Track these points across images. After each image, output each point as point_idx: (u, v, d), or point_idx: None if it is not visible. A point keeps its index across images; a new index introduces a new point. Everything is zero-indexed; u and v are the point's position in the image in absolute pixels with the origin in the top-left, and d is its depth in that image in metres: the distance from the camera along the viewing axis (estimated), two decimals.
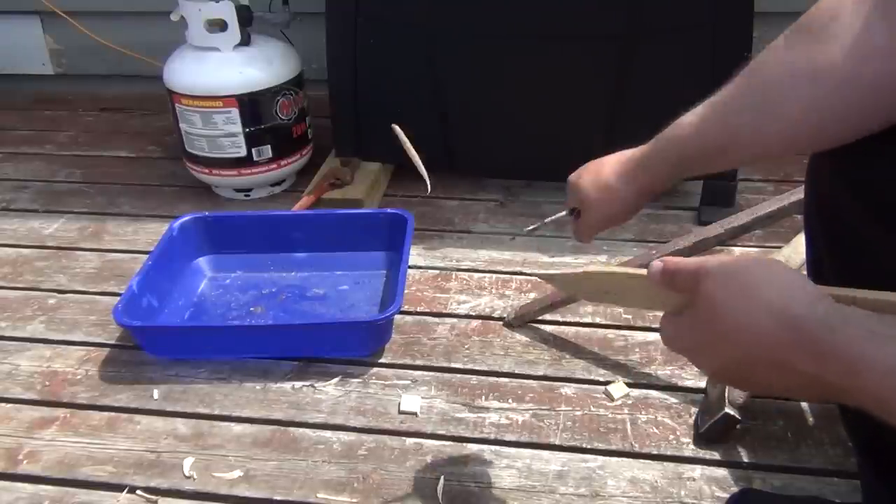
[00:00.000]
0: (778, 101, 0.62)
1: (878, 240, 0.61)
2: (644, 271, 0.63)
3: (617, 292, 0.70)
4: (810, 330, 0.48)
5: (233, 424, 1.01)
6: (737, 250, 1.30)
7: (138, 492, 0.92)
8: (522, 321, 1.15)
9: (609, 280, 0.70)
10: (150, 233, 1.43)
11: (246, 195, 1.57)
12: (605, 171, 0.80)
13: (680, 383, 1.04)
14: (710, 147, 0.69)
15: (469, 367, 1.09)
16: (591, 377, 1.06)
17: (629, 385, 1.03)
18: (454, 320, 1.18)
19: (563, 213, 0.87)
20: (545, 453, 0.94)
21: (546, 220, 0.90)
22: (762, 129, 0.64)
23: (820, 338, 0.47)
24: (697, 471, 0.91)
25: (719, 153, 0.69)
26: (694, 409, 0.99)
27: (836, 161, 0.63)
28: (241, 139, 1.47)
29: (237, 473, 0.93)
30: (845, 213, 0.65)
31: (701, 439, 0.94)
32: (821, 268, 0.75)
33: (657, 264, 0.59)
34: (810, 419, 0.97)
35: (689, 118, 0.71)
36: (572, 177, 0.84)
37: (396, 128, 0.96)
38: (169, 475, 0.94)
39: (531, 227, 0.92)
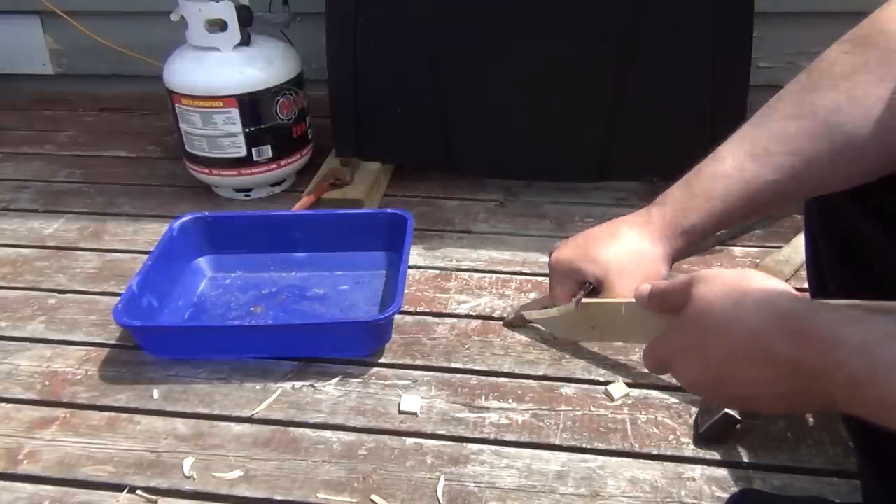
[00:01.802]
0: (859, 152, 0.58)
1: (878, 242, 0.61)
2: (624, 300, 0.63)
3: (604, 326, 0.69)
4: (793, 314, 0.49)
5: (233, 424, 1.01)
6: (737, 250, 1.30)
7: (138, 492, 0.92)
8: (522, 321, 1.15)
9: (598, 312, 0.69)
10: (150, 233, 1.43)
11: (246, 195, 1.57)
12: (629, 237, 0.70)
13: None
14: (769, 206, 0.64)
15: (469, 367, 1.09)
16: (591, 377, 1.06)
17: (629, 385, 1.03)
18: (454, 320, 1.18)
19: (579, 298, 0.72)
20: (545, 453, 0.94)
21: (550, 313, 0.76)
22: (837, 180, 0.60)
23: (801, 318, 0.48)
24: (697, 471, 0.91)
25: (780, 209, 0.65)
26: (694, 409, 0.99)
27: None
28: (241, 139, 1.47)
29: (237, 473, 0.93)
30: (845, 214, 0.65)
31: (701, 439, 0.94)
32: (821, 268, 0.75)
33: (643, 289, 0.59)
34: (810, 419, 0.97)
35: (737, 175, 0.63)
36: (566, 253, 0.73)
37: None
38: (169, 475, 0.94)
39: (536, 320, 0.80)
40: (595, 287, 0.70)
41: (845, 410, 0.48)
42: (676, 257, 0.71)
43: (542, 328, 1.13)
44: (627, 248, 0.70)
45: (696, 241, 0.70)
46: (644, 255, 0.70)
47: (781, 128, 0.61)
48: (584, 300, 0.67)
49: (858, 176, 0.60)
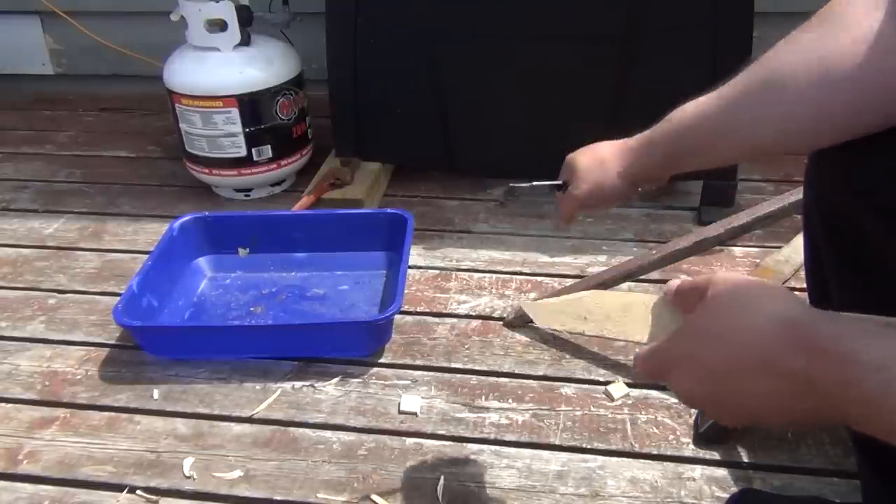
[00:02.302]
0: (783, 90, 0.61)
1: (879, 241, 0.61)
2: (641, 296, 0.64)
3: (599, 319, 0.70)
4: (805, 326, 0.47)
5: (233, 424, 1.01)
6: (737, 250, 1.30)
7: (138, 492, 0.92)
8: (522, 321, 1.15)
9: (602, 304, 0.70)
10: (150, 233, 1.43)
11: (246, 195, 1.57)
12: (602, 149, 0.81)
13: None
14: (709, 137, 0.68)
15: (469, 367, 1.09)
16: (591, 377, 1.06)
17: (629, 385, 1.03)
18: (454, 320, 1.18)
19: (555, 182, 0.86)
20: (545, 453, 0.94)
21: (534, 184, 0.89)
22: (764, 119, 0.63)
23: (814, 332, 0.46)
24: (697, 471, 0.91)
25: (717, 144, 0.68)
26: (694, 410, 0.99)
27: (837, 161, 0.63)
28: (241, 139, 1.47)
29: (237, 473, 0.93)
30: (846, 213, 0.65)
31: (701, 439, 0.94)
32: (819, 268, 0.75)
33: (672, 283, 0.60)
34: None
35: (693, 106, 0.70)
36: (570, 154, 0.85)
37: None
38: (169, 475, 0.94)
39: (515, 186, 0.90)
40: (566, 183, 0.84)
41: (857, 428, 0.46)
42: (639, 175, 0.78)
43: (536, 323, 1.13)
44: (595, 157, 0.81)
45: (653, 171, 0.77)
46: (603, 164, 0.79)
47: (747, 79, 0.66)
48: (589, 292, 0.69)
49: (854, 117, 0.59)
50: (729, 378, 0.50)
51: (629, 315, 0.65)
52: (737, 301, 0.51)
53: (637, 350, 0.58)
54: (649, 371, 0.57)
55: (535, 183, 0.89)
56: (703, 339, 0.52)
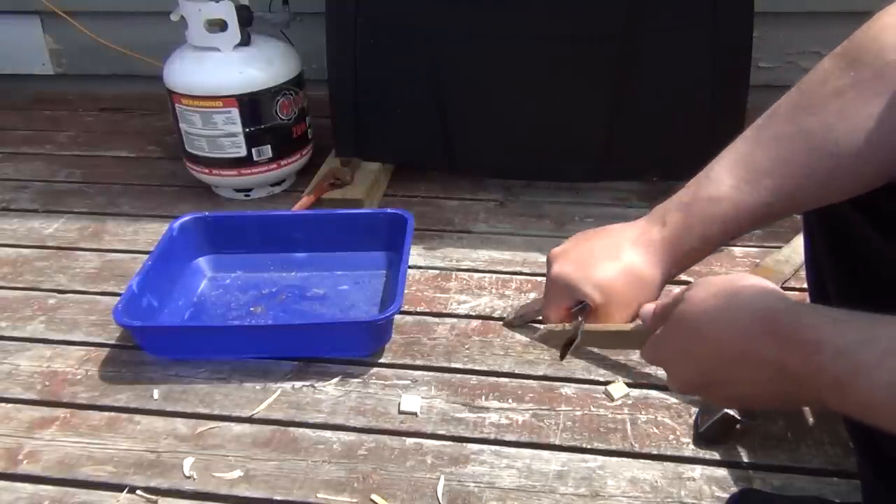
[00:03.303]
0: (850, 170, 0.58)
1: (877, 244, 0.61)
2: (629, 326, 0.65)
3: (601, 345, 0.72)
4: (777, 317, 0.50)
5: (233, 424, 1.01)
6: (737, 250, 1.30)
7: (138, 492, 0.92)
8: (522, 321, 1.15)
9: (597, 336, 0.70)
10: (150, 233, 1.43)
11: (246, 195, 1.57)
12: (628, 256, 0.68)
13: None
14: (763, 221, 0.64)
15: (469, 367, 1.09)
16: (591, 377, 1.06)
17: (629, 385, 1.03)
18: (454, 320, 1.18)
19: (578, 323, 0.69)
20: (545, 453, 0.94)
21: (542, 331, 0.74)
22: (827, 198, 0.61)
23: (785, 322, 0.49)
24: (697, 471, 0.91)
25: (775, 218, 0.64)
26: (694, 409, 0.99)
27: None
28: (241, 139, 1.47)
29: (237, 473, 0.93)
30: (844, 216, 0.65)
31: (701, 439, 0.94)
32: (819, 269, 0.75)
33: (647, 309, 0.63)
34: (810, 419, 0.97)
35: (723, 185, 0.63)
36: (566, 270, 0.71)
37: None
38: (169, 475, 0.94)
39: (535, 337, 0.79)
40: (591, 308, 0.69)
41: (833, 409, 0.49)
42: (671, 279, 0.70)
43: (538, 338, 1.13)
44: (628, 272, 0.68)
45: (691, 264, 0.70)
46: (643, 281, 0.68)
47: (776, 148, 0.61)
48: (586, 326, 0.67)
49: (856, 190, 0.60)
50: (715, 368, 0.54)
51: (620, 342, 0.67)
52: (716, 297, 0.54)
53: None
54: (649, 360, 0.62)
55: (542, 331, 0.74)
56: (692, 335, 0.55)
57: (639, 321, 0.67)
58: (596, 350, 1.10)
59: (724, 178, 0.63)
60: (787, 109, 0.62)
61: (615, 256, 0.69)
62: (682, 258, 0.68)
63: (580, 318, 0.69)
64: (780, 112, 0.62)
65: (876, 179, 0.59)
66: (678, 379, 0.58)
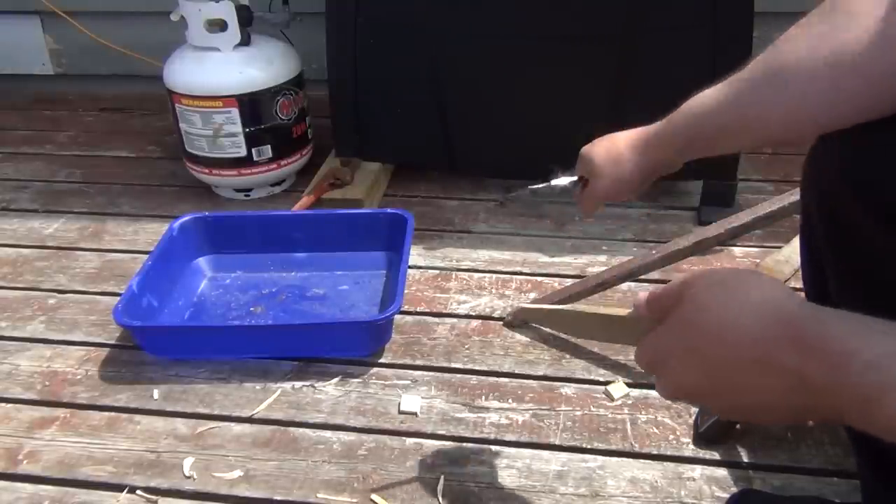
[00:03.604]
0: (793, 80, 0.62)
1: (879, 240, 0.61)
2: (622, 311, 0.64)
3: (586, 333, 0.72)
4: (799, 322, 0.46)
5: (233, 424, 1.01)
6: (737, 250, 1.30)
7: (138, 492, 0.92)
8: (522, 321, 1.15)
9: (584, 321, 0.71)
10: (150, 233, 1.43)
11: (246, 195, 1.57)
12: (618, 142, 0.81)
13: None
14: (722, 128, 0.69)
15: (469, 367, 1.09)
16: (591, 377, 1.06)
17: (629, 385, 1.03)
18: (454, 320, 1.18)
19: (572, 179, 0.86)
20: (545, 453, 0.94)
21: (553, 184, 0.88)
22: (772, 106, 0.64)
23: (808, 329, 0.46)
24: (697, 471, 0.91)
25: (730, 134, 0.69)
26: (694, 409, 0.99)
27: (838, 159, 0.63)
28: (241, 139, 1.47)
29: (237, 473, 0.93)
30: (845, 212, 0.65)
31: (701, 439, 0.94)
32: (817, 269, 0.75)
33: (641, 297, 0.60)
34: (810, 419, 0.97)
35: (705, 96, 0.70)
36: (585, 147, 0.85)
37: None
38: (169, 475, 0.94)
39: (535, 187, 0.91)
40: (586, 178, 0.84)
41: (854, 426, 0.46)
42: (655, 167, 0.79)
43: (536, 324, 1.13)
44: (610, 152, 0.80)
45: (671, 158, 0.77)
46: (620, 159, 0.79)
47: (758, 67, 0.66)
48: (582, 308, 0.70)
49: (864, 107, 0.59)
50: (723, 374, 0.50)
51: (612, 329, 0.67)
52: (724, 291, 0.51)
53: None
54: (642, 365, 0.57)
55: (553, 182, 0.88)
56: (698, 333, 0.51)
57: (621, 311, 0.66)
58: (597, 350, 1.10)
59: (705, 93, 0.71)
60: (770, 46, 0.67)
61: (611, 140, 0.82)
62: (664, 153, 0.76)
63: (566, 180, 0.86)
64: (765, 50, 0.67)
65: (852, 109, 0.59)
66: (677, 383, 0.54)
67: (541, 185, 0.89)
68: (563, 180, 0.87)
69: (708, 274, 0.53)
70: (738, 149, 0.78)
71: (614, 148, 0.80)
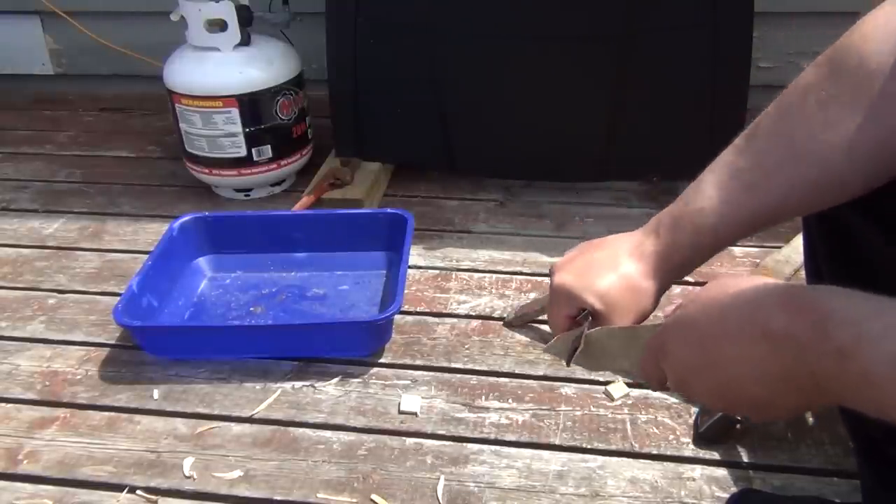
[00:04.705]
0: (838, 182, 0.59)
1: (878, 246, 0.61)
2: (637, 326, 0.65)
3: (602, 354, 0.71)
4: (789, 289, 0.49)
5: (233, 424, 1.01)
6: (737, 250, 1.30)
7: (138, 492, 0.92)
8: (522, 321, 1.15)
9: (601, 340, 0.70)
10: (150, 233, 1.43)
11: (246, 195, 1.57)
12: (625, 267, 0.71)
13: None
14: (737, 230, 0.65)
15: (469, 367, 1.09)
16: (591, 377, 1.06)
17: (629, 385, 1.03)
18: (454, 320, 1.18)
19: (582, 313, 0.72)
20: (545, 453, 0.94)
21: (552, 343, 0.75)
22: (811, 207, 0.63)
23: (797, 293, 0.49)
24: (697, 471, 0.91)
25: (747, 232, 0.65)
26: (694, 409, 0.99)
27: None
28: (241, 139, 1.47)
29: (237, 473, 0.93)
30: (844, 219, 0.65)
31: (701, 439, 0.94)
32: (819, 269, 0.75)
33: (667, 310, 0.61)
34: (810, 419, 0.97)
35: (710, 199, 0.65)
36: (568, 279, 0.72)
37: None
38: (169, 475, 0.94)
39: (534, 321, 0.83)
40: (592, 315, 0.71)
41: (829, 393, 0.47)
42: (667, 288, 0.72)
43: (541, 330, 1.13)
44: (625, 282, 0.70)
45: (686, 272, 0.71)
46: (639, 291, 0.70)
47: (760, 160, 0.62)
48: (594, 329, 0.69)
49: (842, 200, 0.61)
50: (715, 342, 0.52)
51: (636, 345, 0.66)
52: (731, 279, 0.54)
53: None
54: (651, 355, 0.59)
55: (561, 339, 0.74)
56: (698, 308, 0.54)
57: (646, 322, 0.67)
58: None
59: (711, 193, 0.65)
60: (772, 121, 0.63)
61: (613, 267, 0.71)
62: (675, 268, 0.70)
63: (585, 324, 0.71)
64: (764, 124, 0.63)
65: (861, 190, 0.59)
66: (674, 362, 0.56)
67: (551, 343, 0.75)
68: (573, 333, 0.72)
69: (719, 280, 0.55)
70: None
71: (627, 278, 0.70)
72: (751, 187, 0.62)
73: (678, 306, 0.60)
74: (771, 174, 0.61)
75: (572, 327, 0.72)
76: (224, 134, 1.46)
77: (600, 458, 0.93)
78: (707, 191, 0.65)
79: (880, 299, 0.44)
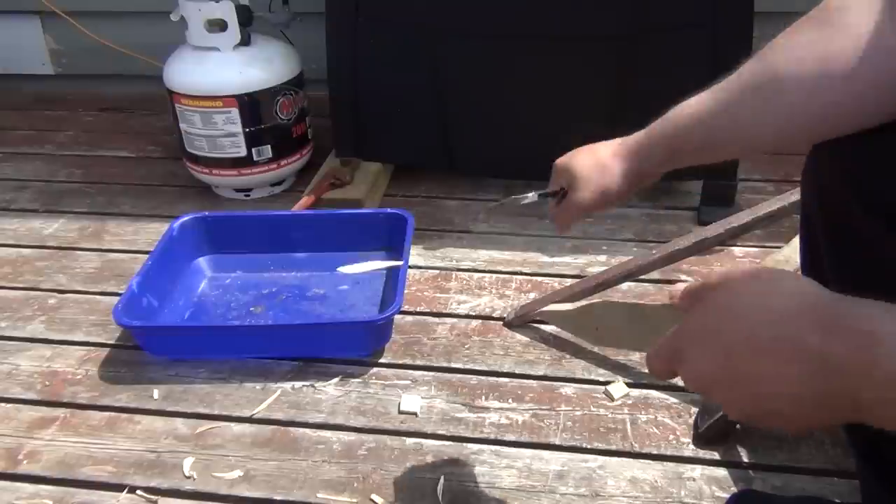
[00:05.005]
0: (782, 89, 0.61)
1: (880, 242, 0.61)
2: (649, 306, 0.64)
3: (608, 330, 0.71)
4: (824, 302, 0.45)
5: (233, 424, 1.01)
6: (737, 250, 1.30)
7: (138, 492, 0.92)
8: (522, 321, 1.15)
9: (611, 314, 0.71)
10: (150, 233, 1.43)
11: (246, 195, 1.57)
12: (600, 151, 0.80)
13: (680, 383, 1.04)
14: (708, 137, 0.68)
15: (469, 367, 1.09)
16: (591, 377, 1.06)
17: (629, 385, 1.03)
18: (454, 320, 1.18)
19: (555, 190, 0.84)
20: (545, 453, 0.94)
21: (538, 193, 0.87)
22: (764, 116, 0.63)
23: (832, 309, 0.45)
24: (697, 471, 0.91)
25: (716, 143, 0.69)
26: (694, 409, 0.99)
27: (839, 159, 0.63)
28: (241, 139, 1.47)
29: (237, 473, 0.93)
30: (846, 211, 0.65)
31: (701, 439, 0.94)
32: (816, 269, 0.75)
33: (677, 287, 0.60)
34: None
35: (691, 105, 0.70)
36: (560, 159, 0.84)
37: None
38: (169, 475, 0.94)
39: (517, 197, 0.88)
40: (566, 190, 0.82)
41: (866, 417, 0.44)
42: (641, 176, 0.78)
43: (546, 321, 1.13)
44: (595, 161, 0.79)
45: (657, 168, 0.77)
46: (606, 168, 0.78)
47: (739, 79, 0.66)
48: (603, 300, 0.70)
49: (853, 117, 0.59)
50: (741, 358, 0.48)
51: (637, 325, 0.66)
52: (758, 281, 0.50)
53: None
54: (664, 355, 0.54)
55: (538, 193, 0.86)
56: (724, 315, 0.50)
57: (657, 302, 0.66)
58: (597, 350, 1.10)
59: (690, 102, 0.71)
60: (751, 60, 0.66)
61: (591, 150, 0.82)
62: (649, 163, 0.76)
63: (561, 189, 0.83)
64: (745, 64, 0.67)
65: (878, 101, 0.58)
66: (695, 369, 0.51)
67: (526, 197, 0.87)
68: (547, 191, 0.85)
69: (746, 269, 0.54)
70: (725, 158, 0.77)
71: (597, 157, 0.79)
72: (727, 93, 0.67)
73: (689, 295, 0.57)
74: (755, 89, 0.64)
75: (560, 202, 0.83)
76: (224, 134, 1.46)
77: (600, 458, 0.93)
78: (687, 102, 0.71)
79: None
